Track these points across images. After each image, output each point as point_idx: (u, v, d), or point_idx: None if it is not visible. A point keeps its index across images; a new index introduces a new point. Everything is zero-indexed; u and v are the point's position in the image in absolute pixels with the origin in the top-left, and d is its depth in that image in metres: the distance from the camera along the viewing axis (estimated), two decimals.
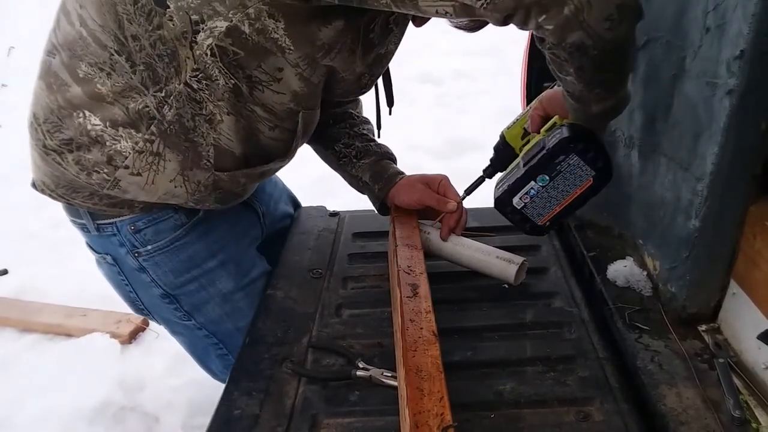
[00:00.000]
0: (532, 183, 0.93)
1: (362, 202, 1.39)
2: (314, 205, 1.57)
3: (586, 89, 0.88)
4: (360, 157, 1.29)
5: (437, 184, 1.25)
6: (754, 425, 0.86)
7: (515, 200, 0.94)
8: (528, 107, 1.16)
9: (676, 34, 1.00)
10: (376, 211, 1.34)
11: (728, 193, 0.94)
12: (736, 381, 0.93)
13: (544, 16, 0.78)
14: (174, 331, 1.34)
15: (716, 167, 0.91)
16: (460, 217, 1.23)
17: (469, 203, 1.27)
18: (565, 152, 0.90)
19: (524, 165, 0.94)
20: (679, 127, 1.01)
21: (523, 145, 1.16)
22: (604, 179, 0.94)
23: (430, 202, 1.23)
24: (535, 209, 0.95)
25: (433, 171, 1.30)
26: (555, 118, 0.96)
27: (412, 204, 1.25)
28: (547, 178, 0.92)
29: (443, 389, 0.78)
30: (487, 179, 1.25)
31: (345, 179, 1.33)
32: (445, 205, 1.22)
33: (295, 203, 1.57)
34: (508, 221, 1.01)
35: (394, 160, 1.33)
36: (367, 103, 1.27)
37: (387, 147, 1.33)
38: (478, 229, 1.37)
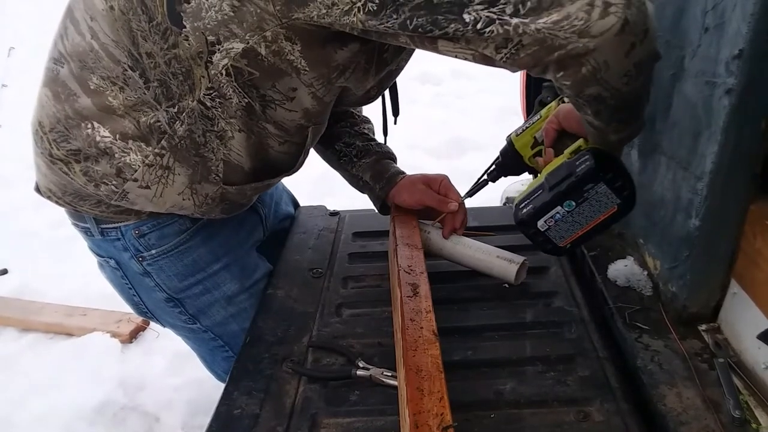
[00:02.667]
0: (558, 208, 0.93)
1: (362, 202, 1.39)
2: (314, 204, 1.57)
3: (604, 125, 0.88)
4: (360, 156, 1.29)
5: (438, 184, 1.25)
6: (754, 425, 0.86)
7: (540, 223, 0.95)
8: (537, 114, 1.16)
9: (675, 33, 1.00)
10: (377, 211, 1.34)
11: (728, 193, 0.94)
12: (736, 381, 0.93)
13: (561, 73, 0.79)
14: (179, 334, 1.34)
15: (716, 166, 0.91)
16: (462, 218, 1.23)
17: (469, 203, 1.27)
18: (594, 180, 0.91)
19: (551, 189, 0.94)
20: (679, 126, 1.01)
21: (533, 155, 1.15)
22: (628, 208, 0.94)
23: (432, 203, 1.23)
24: (558, 232, 0.96)
25: (433, 171, 1.30)
26: (580, 141, 0.96)
27: (414, 204, 1.25)
28: (574, 203, 0.93)
29: (443, 389, 0.78)
30: (490, 182, 1.25)
31: (345, 178, 1.33)
32: (447, 206, 1.22)
33: (295, 203, 1.58)
34: (528, 239, 1.01)
35: (394, 159, 1.33)
36: (374, 111, 1.27)
37: (387, 146, 1.33)
38: (479, 228, 1.37)
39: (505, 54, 0.77)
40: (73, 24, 0.97)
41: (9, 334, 2.40)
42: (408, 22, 0.79)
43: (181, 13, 0.88)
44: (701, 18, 0.92)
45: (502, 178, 1.26)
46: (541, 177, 0.98)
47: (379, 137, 1.35)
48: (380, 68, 1.05)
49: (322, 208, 1.55)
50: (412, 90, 4.26)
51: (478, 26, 0.75)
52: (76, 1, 0.97)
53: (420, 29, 0.79)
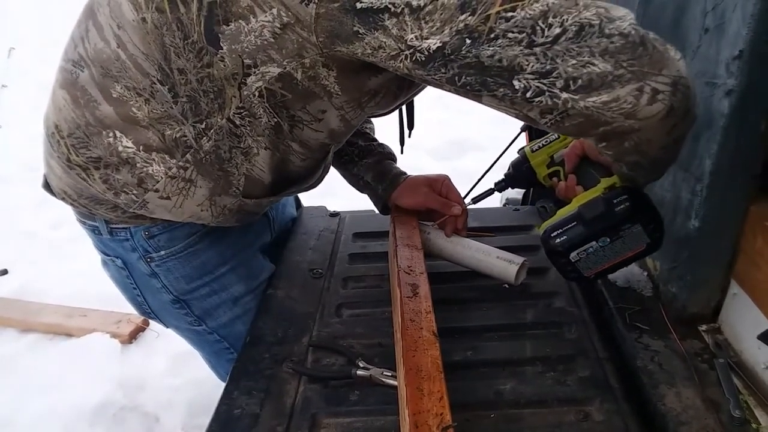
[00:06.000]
0: (593, 242, 0.95)
1: (362, 203, 1.39)
2: (315, 205, 1.58)
3: (636, 176, 0.90)
4: (362, 156, 1.29)
5: (440, 185, 1.25)
6: (754, 425, 0.86)
7: (572, 254, 0.97)
8: (555, 134, 1.16)
9: (675, 33, 1.00)
10: (378, 211, 1.34)
11: (728, 194, 0.94)
12: (736, 381, 0.93)
13: (604, 144, 0.81)
14: (182, 336, 1.34)
15: (716, 167, 0.91)
16: (463, 220, 1.23)
17: (469, 204, 1.27)
18: (632, 222, 0.93)
19: (587, 223, 0.95)
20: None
21: (549, 175, 1.16)
22: (654, 248, 0.97)
23: (435, 206, 1.24)
24: (586, 263, 0.97)
25: (434, 172, 1.30)
26: (615, 179, 0.98)
27: (416, 206, 1.25)
28: (608, 240, 0.95)
29: (443, 389, 0.79)
30: (497, 192, 1.26)
31: (345, 178, 1.33)
32: (450, 209, 1.22)
33: (298, 203, 1.58)
34: (553, 266, 1.02)
35: (395, 159, 1.33)
36: (389, 123, 1.28)
37: (389, 147, 1.34)
38: (479, 229, 1.37)
39: (550, 119, 0.78)
40: (96, 28, 0.94)
41: (9, 335, 2.40)
42: (456, 78, 0.78)
43: (219, 34, 0.87)
44: (701, 19, 0.92)
45: (510, 189, 1.26)
46: (573, 206, 0.99)
47: (394, 147, 1.35)
48: (408, 92, 1.06)
49: (322, 208, 1.55)
50: (421, 92, 4.25)
51: (528, 94, 0.76)
52: (100, 4, 0.95)
53: (468, 87, 0.79)
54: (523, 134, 1.71)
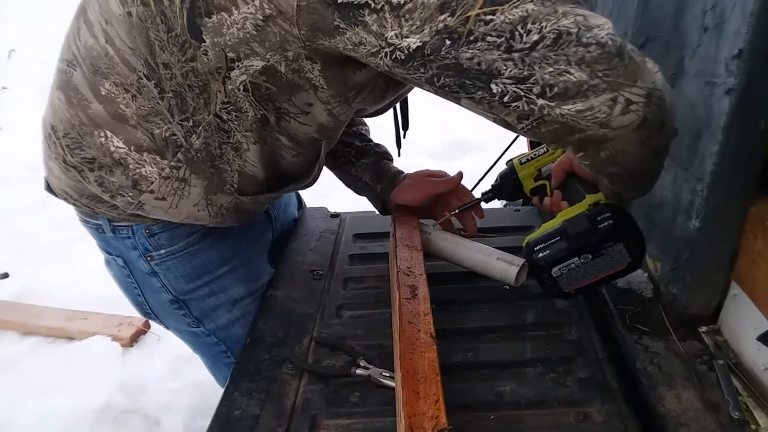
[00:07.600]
0: (576, 258, 0.96)
1: (362, 204, 1.39)
2: (315, 206, 1.58)
3: (619, 190, 0.90)
4: (359, 156, 1.30)
5: (439, 175, 1.28)
6: (753, 427, 0.86)
7: (554, 270, 0.97)
8: (543, 147, 1.16)
9: (674, 33, 1.00)
10: (378, 212, 1.34)
11: (728, 193, 0.94)
12: (736, 382, 0.93)
13: (582, 154, 0.81)
14: (182, 338, 1.34)
15: (716, 167, 0.91)
16: (480, 209, 1.26)
17: None
18: (615, 240, 0.94)
19: (570, 239, 0.96)
20: (679, 126, 1.01)
21: (536, 188, 1.16)
22: (634, 267, 0.97)
23: (444, 188, 1.25)
24: (568, 279, 0.98)
25: None
26: (600, 195, 0.98)
27: (424, 198, 1.26)
28: (590, 257, 0.96)
29: (439, 392, 0.78)
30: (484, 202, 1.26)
31: (342, 180, 1.33)
32: (458, 187, 1.25)
33: (300, 203, 1.58)
34: (535, 280, 1.02)
35: (391, 159, 1.34)
36: (385, 123, 1.28)
37: (385, 147, 1.34)
38: (479, 230, 1.37)
39: (527, 125, 0.78)
40: (87, 25, 0.95)
41: (10, 338, 2.41)
42: (435, 79, 0.79)
43: (201, 27, 0.87)
44: (701, 17, 0.92)
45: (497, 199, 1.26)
46: (557, 221, 0.99)
47: (391, 148, 1.35)
48: (397, 89, 1.05)
49: (323, 209, 1.55)
50: (412, 91, 4.25)
51: (505, 99, 0.76)
52: (90, 2, 0.95)
53: (446, 88, 0.80)
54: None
